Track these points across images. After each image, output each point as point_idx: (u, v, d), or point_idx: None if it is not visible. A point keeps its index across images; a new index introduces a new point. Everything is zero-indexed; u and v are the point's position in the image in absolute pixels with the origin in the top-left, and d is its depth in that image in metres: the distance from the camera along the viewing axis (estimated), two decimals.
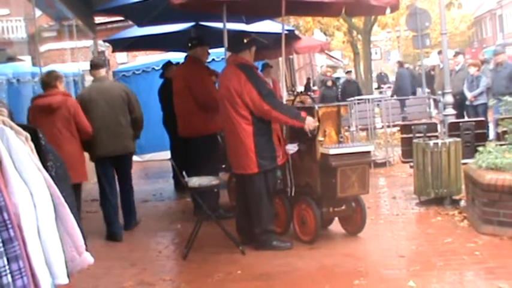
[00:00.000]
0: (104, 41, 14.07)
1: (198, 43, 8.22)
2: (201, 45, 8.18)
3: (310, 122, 6.35)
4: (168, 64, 10.53)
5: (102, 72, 7.94)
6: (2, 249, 2.76)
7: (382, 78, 31.87)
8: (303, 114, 6.40)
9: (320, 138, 6.48)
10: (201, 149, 7.85)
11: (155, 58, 15.89)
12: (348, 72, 22.78)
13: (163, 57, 14.32)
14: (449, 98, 11.10)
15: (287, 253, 6.32)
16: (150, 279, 5.84)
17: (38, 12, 10.93)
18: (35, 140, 3.23)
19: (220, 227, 6.63)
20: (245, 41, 6.62)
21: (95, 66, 7.86)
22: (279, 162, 6.51)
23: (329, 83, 20.26)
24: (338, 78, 26.93)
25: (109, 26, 17.48)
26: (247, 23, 10.87)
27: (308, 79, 31.01)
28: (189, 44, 8.24)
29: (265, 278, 5.63)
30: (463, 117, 13.26)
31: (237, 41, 6.78)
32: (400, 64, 21.96)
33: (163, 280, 5.82)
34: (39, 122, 6.67)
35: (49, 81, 7.21)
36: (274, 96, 6.48)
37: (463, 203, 7.90)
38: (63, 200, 3.14)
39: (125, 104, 7.69)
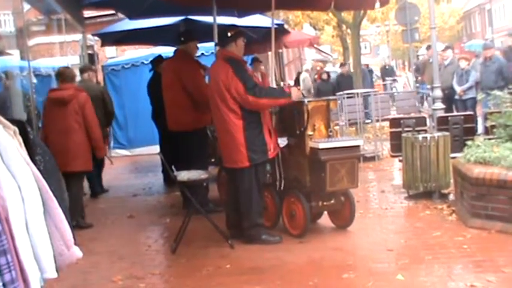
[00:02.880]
0: (93, 35, 14.04)
1: (192, 37, 8.19)
2: (194, 40, 8.17)
3: (295, 93, 6.52)
4: (159, 58, 10.48)
5: (85, 75, 9.97)
6: None
7: (387, 72, 30.61)
8: (286, 90, 6.59)
9: (309, 132, 6.49)
10: (191, 143, 7.84)
11: (144, 52, 15.87)
12: (343, 65, 22.35)
13: (153, 51, 14.30)
14: (438, 92, 11.13)
15: (276, 247, 6.32)
16: (139, 273, 5.83)
17: (27, 6, 10.88)
18: (23, 133, 3.22)
19: (209, 221, 6.62)
20: (229, 34, 6.59)
21: (80, 71, 10.12)
22: (270, 155, 6.49)
23: (324, 76, 20.09)
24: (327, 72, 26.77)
25: (98, 20, 17.39)
26: (239, 16, 10.85)
27: (298, 73, 30.93)
28: (182, 38, 8.20)
29: (254, 271, 5.64)
30: (452, 111, 13.31)
31: (222, 35, 6.77)
32: (366, 65, 22.27)
33: (152, 274, 5.81)
34: (53, 112, 7.85)
35: (68, 74, 8.16)
36: (257, 86, 6.42)
37: (451, 196, 7.93)
38: (51, 194, 3.12)
39: (100, 101, 9.53)
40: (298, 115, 6.51)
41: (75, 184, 7.74)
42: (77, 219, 7.70)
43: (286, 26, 17.55)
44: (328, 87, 18.92)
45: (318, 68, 24.40)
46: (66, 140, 7.67)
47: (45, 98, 8.11)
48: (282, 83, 22.00)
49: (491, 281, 4.91)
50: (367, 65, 22.93)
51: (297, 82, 26.52)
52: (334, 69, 24.59)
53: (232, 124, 6.34)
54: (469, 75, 13.53)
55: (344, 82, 18.85)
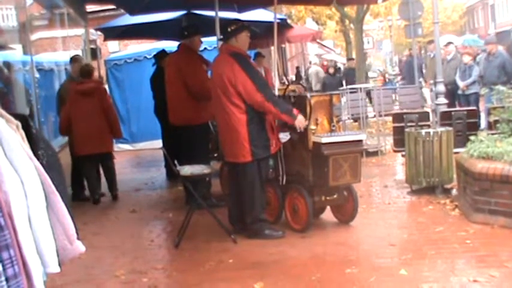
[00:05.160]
0: (96, 29, 14.02)
1: (196, 32, 8.14)
2: (197, 34, 8.12)
3: (301, 120, 6.27)
4: (162, 53, 10.45)
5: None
6: None
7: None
8: (295, 111, 6.31)
9: (312, 127, 6.47)
10: (193, 138, 7.83)
11: (147, 47, 15.85)
12: (350, 59, 22.34)
13: (155, 45, 14.29)
14: (441, 87, 11.11)
15: (279, 242, 6.32)
16: (142, 268, 5.83)
17: (29, 1, 10.87)
18: (26, 128, 3.21)
19: (212, 216, 6.63)
20: (229, 30, 6.54)
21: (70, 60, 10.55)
22: (272, 150, 6.48)
23: (331, 70, 20.03)
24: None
25: (101, 14, 17.37)
26: (240, 11, 10.83)
27: (297, 68, 30.91)
28: (185, 33, 8.13)
29: (257, 266, 5.64)
30: (455, 106, 13.28)
31: (222, 29, 6.73)
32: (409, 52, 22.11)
33: (155, 269, 5.82)
34: (80, 102, 8.95)
35: (88, 70, 9.33)
36: (268, 87, 6.46)
37: (454, 191, 7.93)
38: (54, 188, 3.11)
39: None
40: (301, 109, 6.49)
41: (109, 161, 9.53)
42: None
43: (288, 21, 17.54)
44: (335, 81, 18.86)
45: (325, 63, 24.40)
46: (94, 125, 8.91)
47: (67, 90, 9.28)
48: (284, 78, 21.92)
49: (495, 275, 4.91)
50: (410, 52, 21.79)
51: (297, 77, 26.52)
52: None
53: (235, 118, 6.32)
54: (472, 70, 13.50)
55: (352, 76, 18.82)
